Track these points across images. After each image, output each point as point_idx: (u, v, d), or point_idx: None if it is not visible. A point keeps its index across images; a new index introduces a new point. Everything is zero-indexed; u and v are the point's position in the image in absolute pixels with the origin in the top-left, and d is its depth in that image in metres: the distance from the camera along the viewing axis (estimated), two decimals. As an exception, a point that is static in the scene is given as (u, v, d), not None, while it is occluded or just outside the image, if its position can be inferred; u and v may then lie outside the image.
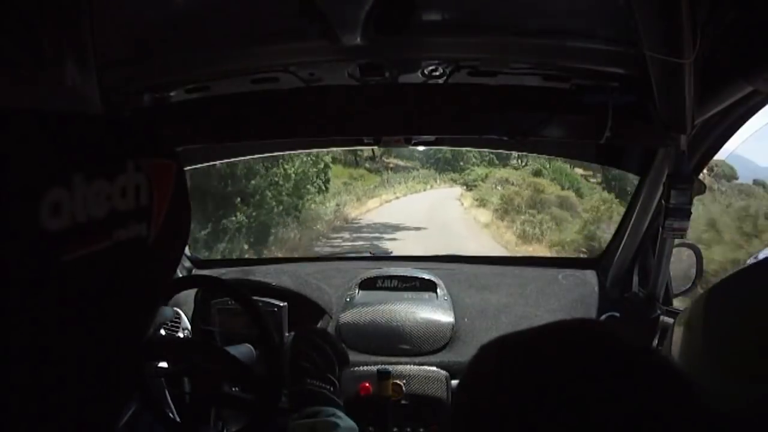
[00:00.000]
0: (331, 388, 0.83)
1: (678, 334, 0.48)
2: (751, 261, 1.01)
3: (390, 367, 1.26)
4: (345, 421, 0.75)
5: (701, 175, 1.17)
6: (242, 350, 1.07)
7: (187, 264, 1.63)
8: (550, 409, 0.26)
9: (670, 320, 1.23)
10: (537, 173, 12.40)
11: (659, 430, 0.25)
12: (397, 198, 13.79)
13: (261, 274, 1.51)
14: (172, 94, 1.12)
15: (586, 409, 0.25)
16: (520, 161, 13.22)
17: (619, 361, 0.28)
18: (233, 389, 1.12)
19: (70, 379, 0.33)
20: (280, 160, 8.46)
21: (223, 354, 0.95)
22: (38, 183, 0.28)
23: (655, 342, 1.21)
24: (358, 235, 10.11)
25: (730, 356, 0.39)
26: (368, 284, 1.47)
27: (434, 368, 1.29)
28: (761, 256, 1.66)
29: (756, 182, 7.87)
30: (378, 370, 1.25)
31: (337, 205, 11.29)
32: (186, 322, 1.38)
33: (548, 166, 12.13)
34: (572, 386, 0.26)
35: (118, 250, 0.34)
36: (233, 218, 7.81)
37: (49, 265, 0.29)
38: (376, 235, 9.92)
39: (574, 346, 0.29)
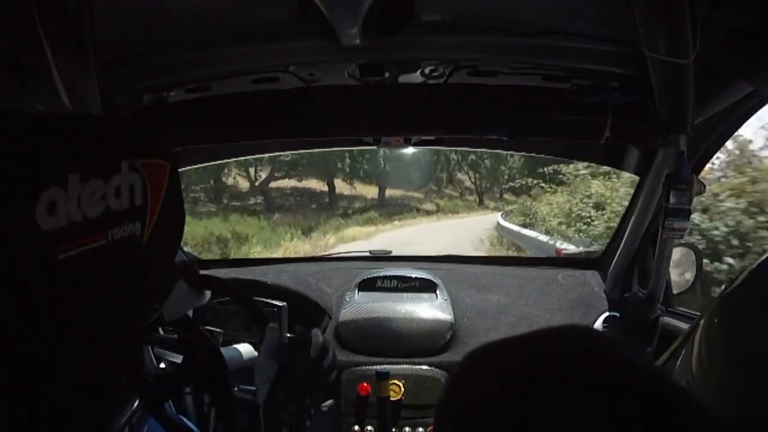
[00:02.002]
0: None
1: (697, 341, 0.47)
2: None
3: (389, 368, 1.26)
4: None
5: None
6: (242, 350, 1.07)
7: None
8: (540, 418, 0.25)
9: (670, 320, 1.23)
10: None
11: None
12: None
13: (261, 274, 1.51)
14: (172, 94, 1.12)
15: (569, 427, 0.25)
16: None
17: (608, 375, 0.27)
18: (233, 389, 1.12)
19: (67, 377, 0.33)
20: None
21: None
22: (35, 183, 0.28)
23: (656, 342, 1.21)
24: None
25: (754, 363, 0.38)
26: (368, 284, 1.47)
27: (434, 369, 1.29)
28: None
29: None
30: (377, 370, 1.25)
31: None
32: (186, 322, 1.38)
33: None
34: (557, 401, 0.26)
35: (112, 249, 0.34)
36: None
37: (44, 263, 0.29)
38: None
39: (561, 359, 0.28)
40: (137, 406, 1.16)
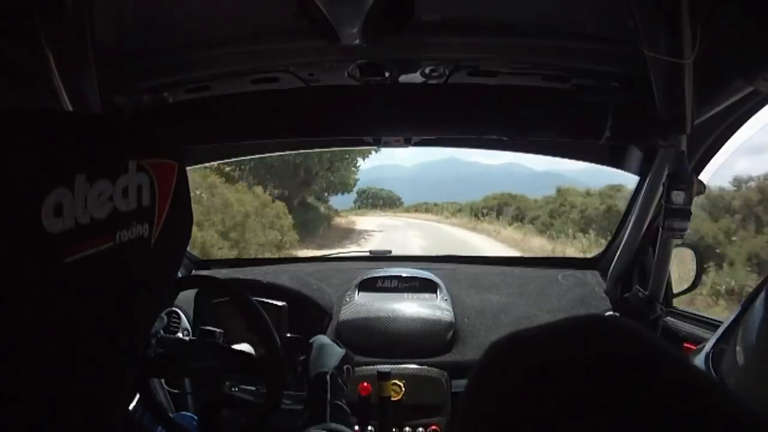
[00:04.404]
0: (348, 411, 0.89)
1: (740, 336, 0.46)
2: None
3: (390, 368, 1.26)
4: None
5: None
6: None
7: (187, 264, 1.63)
8: (571, 414, 0.25)
9: (670, 320, 1.23)
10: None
11: None
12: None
13: (261, 274, 1.51)
14: (172, 94, 1.12)
15: (611, 416, 0.24)
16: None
17: (645, 362, 0.26)
18: (233, 390, 1.12)
19: (73, 378, 0.33)
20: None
21: (222, 349, 0.96)
22: (40, 184, 0.28)
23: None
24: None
25: None
26: (368, 285, 1.46)
27: (434, 368, 1.29)
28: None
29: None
30: (378, 370, 1.25)
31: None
32: (186, 322, 1.38)
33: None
34: (594, 388, 0.25)
35: (120, 251, 0.34)
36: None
37: (51, 266, 0.29)
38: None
39: (595, 346, 0.27)
40: (138, 406, 1.16)
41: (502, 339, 0.31)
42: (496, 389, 0.29)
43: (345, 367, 0.97)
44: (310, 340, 1.00)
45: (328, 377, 0.89)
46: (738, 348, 0.46)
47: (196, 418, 1.11)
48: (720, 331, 0.61)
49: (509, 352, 0.30)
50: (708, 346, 0.63)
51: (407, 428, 1.26)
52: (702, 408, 0.24)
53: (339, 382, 0.91)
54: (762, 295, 0.46)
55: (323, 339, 1.02)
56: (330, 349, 0.97)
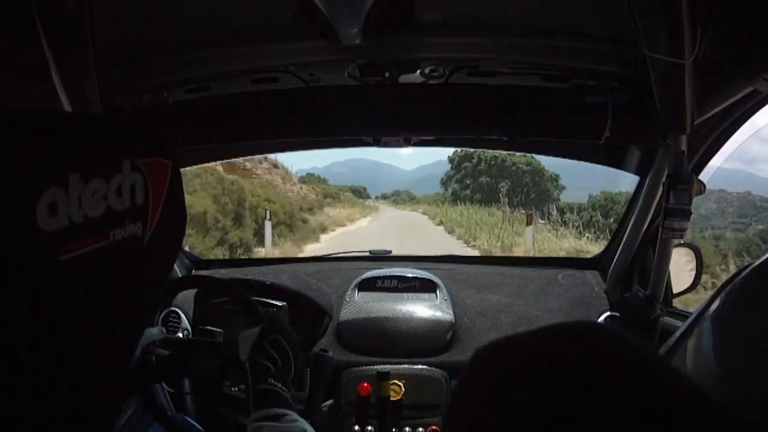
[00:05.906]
0: (289, 393, 0.80)
1: (695, 339, 0.46)
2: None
3: (390, 368, 1.26)
4: (309, 427, 0.74)
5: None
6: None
7: (187, 264, 1.63)
8: (547, 422, 0.25)
9: (670, 320, 1.23)
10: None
11: None
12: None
13: (261, 274, 1.51)
14: (172, 94, 1.12)
15: (585, 424, 0.24)
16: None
17: (622, 370, 0.27)
18: (233, 390, 1.12)
19: (67, 378, 0.33)
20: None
21: (222, 349, 0.95)
22: (35, 183, 0.28)
23: (655, 342, 1.21)
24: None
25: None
26: (368, 285, 1.46)
27: (434, 369, 1.29)
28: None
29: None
30: (378, 370, 1.25)
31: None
32: (186, 322, 1.38)
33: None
34: (571, 396, 0.25)
35: (114, 250, 0.34)
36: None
37: (45, 264, 0.29)
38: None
39: (572, 354, 0.28)
40: (137, 406, 1.16)
41: (485, 345, 0.32)
42: (470, 394, 0.29)
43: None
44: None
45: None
46: (695, 351, 0.46)
47: (195, 420, 1.12)
48: (671, 340, 0.61)
49: (485, 358, 0.31)
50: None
51: (407, 428, 1.26)
52: (682, 413, 0.25)
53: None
54: (718, 299, 0.46)
55: None
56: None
